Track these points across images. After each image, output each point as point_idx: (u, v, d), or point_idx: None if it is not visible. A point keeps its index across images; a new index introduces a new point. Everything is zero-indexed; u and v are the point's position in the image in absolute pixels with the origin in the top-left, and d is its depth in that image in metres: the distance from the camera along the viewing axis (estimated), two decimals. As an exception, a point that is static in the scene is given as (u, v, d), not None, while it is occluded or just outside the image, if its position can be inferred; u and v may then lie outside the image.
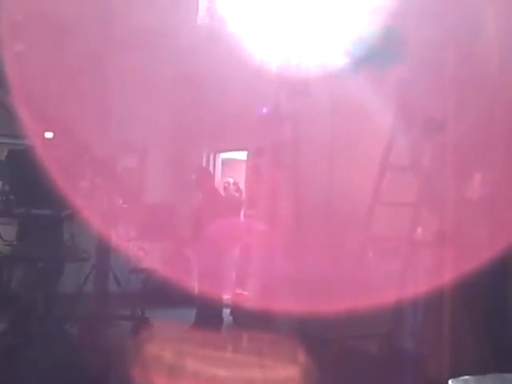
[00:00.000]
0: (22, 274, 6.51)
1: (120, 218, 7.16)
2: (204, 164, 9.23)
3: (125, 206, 7.30)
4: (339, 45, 5.65)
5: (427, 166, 5.25)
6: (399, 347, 4.98)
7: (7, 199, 7.03)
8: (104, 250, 6.78)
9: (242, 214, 7.86)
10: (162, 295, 6.60)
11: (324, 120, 6.30)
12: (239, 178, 8.78)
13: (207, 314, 6.83)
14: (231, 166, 9.91)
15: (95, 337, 5.70)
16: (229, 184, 8.94)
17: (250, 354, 5.18)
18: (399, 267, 5.15)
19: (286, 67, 6.09)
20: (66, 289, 6.25)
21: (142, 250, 6.88)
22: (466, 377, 2.65)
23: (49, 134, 6.89)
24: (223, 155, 9.62)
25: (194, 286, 6.90)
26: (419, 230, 5.21)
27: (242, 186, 8.61)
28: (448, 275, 4.51)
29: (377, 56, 5.35)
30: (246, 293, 6.90)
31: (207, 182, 7.89)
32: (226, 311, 7.32)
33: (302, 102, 6.44)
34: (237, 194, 8.77)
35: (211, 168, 9.28)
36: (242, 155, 8.86)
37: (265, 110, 7.03)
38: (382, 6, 5.29)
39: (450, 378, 2.61)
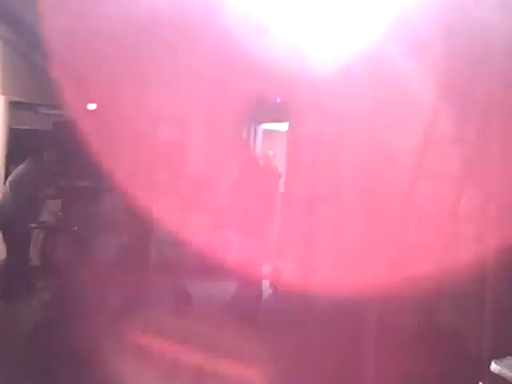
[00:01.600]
0: (64, 244, 6.65)
1: (160, 190, 7.20)
2: (244, 135, 9.20)
3: (165, 178, 7.34)
4: (383, 38, 5.51)
5: (471, 139, 5.12)
6: (440, 325, 4.92)
7: (52, 171, 7.17)
8: (144, 223, 6.85)
9: (281, 187, 7.83)
10: (202, 268, 6.64)
11: (366, 94, 6.18)
12: (280, 149, 8.73)
13: (247, 287, 6.87)
14: (272, 137, 9.87)
15: (135, 308, 5.79)
16: (269, 157, 8.92)
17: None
18: (441, 242, 5.06)
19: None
20: (105, 260, 6.36)
21: (182, 223, 6.92)
22: (511, 358, 2.61)
23: (92, 106, 6.97)
24: (264, 126, 9.58)
25: (234, 259, 6.92)
26: (462, 203, 5.10)
27: (282, 158, 8.56)
28: (491, 250, 4.43)
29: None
30: (286, 266, 6.89)
31: (247, 153, 7.88)
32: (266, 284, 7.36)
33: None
34: (277, 167, 8.74)
35: (251, 139, 9.25)
36: (282, 126, 8.82)
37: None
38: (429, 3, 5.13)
39: (491, 359, 2.56)
